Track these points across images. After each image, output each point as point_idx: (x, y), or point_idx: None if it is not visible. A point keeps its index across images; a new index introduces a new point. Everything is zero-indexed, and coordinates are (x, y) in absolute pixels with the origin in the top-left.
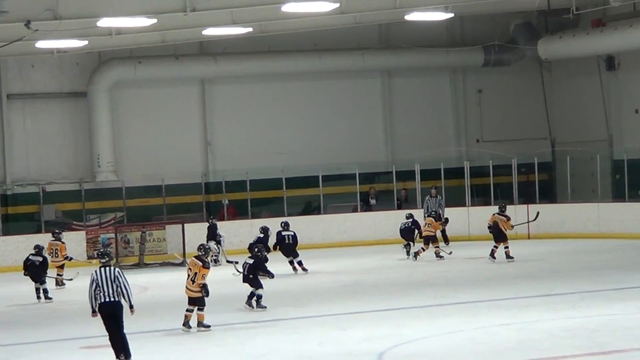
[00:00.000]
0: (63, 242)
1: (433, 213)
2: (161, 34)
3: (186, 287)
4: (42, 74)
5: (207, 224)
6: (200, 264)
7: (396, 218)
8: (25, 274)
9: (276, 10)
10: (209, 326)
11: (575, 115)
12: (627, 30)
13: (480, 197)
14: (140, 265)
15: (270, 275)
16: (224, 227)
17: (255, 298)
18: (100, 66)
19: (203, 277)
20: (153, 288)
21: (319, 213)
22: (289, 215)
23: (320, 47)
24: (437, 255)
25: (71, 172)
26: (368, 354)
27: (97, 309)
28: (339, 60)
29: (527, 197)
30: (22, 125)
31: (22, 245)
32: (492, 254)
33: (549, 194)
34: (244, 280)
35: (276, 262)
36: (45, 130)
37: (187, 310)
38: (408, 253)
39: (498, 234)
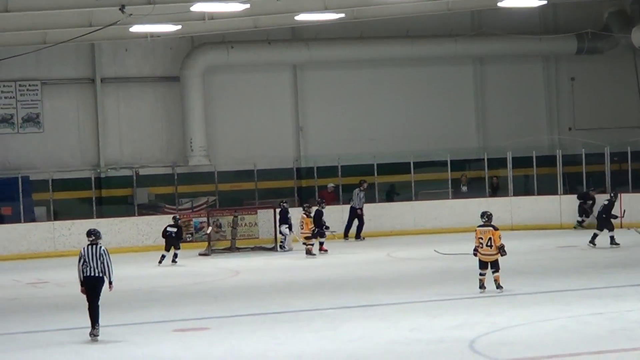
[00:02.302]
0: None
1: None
2: (254, 19)
3: (480, 253)
4: (135, 59)
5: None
6: (491, 228)
7: (487, 205)
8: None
9: None
10: (502, 287)
11: None
12: None
13: (573, 185)
14: (232, 249)
15: None
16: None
17: None
18: (193, 51)
19: (499, 238)
20: (244, 272)
21: (409, 199)
22: (380, 201)
23: (412, 34)
24: (309, 253)
25: (164, 155)
26: (459, 340)
27: (82, 282)
28: (431, 47)
29: (620, 186)
30: (116, 109)
31: (115, 228)
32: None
33: None
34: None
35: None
36: (138, 114)
37: (481, 274)
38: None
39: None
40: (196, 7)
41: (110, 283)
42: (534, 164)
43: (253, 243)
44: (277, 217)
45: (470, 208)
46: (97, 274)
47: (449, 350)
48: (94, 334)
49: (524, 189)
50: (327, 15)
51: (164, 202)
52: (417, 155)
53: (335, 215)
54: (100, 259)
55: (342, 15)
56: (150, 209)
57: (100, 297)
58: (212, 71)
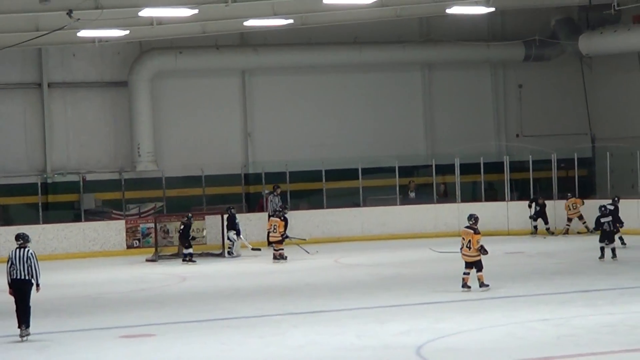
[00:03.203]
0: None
1: (278, 212)
2: (202, 25)
3: (462, 253)
4: (83, 63)
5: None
6: (472, 231)
7: (435, 212)
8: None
9: (317, 2)
10: (487, 285)
11: (615, 111)
12: None
13: (520, 192)
14: (179, 255)
15: None
16: (265, 217)
17: None
18: (141, 56)
19: (477, 242)
20: (191, 278)
21: (358, 206)
22: (328, 207)
23: (360, 40)
24: (282, 257)
25: (111, 161)
26: (406, 347)
27: (10, 284)
28: (380, 53)
29: (566, 193)
30: (63, 114)
31: (61, 234)
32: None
33: (589, 190)
34: None
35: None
36: (85, 119)
37: (465, 274)
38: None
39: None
40: (144, 13)
41: (37, 285)
42: (482, 170)
43: (200, 249)
44: (225, 223)
45: (417, 214)
46: (24, 277)
47: (396, 357)
48: (22, 335)
49: (471, 195)
50: (276, 21)
51: (111, 208)
52: (365, 161)
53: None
54: (27, 262)
55: (291, 21)
56: (97, 214)
57: (42, 303)
58: (160, 76)
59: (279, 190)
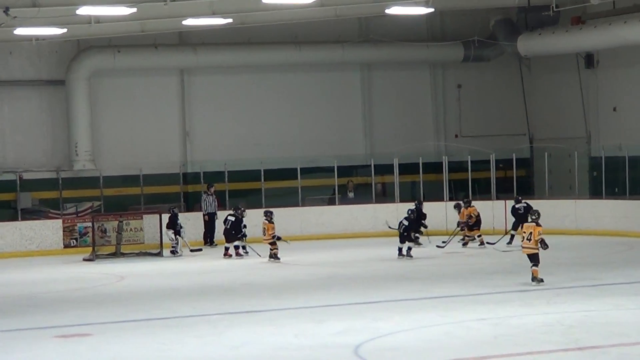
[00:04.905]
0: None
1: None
2: (141, 24)
3: (522, 247)
4: (20, 61)
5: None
6: (534, 224)
7: (374, 211)
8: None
9: (256, 1)
10: (542, 280)
11: (553, 112)
12: (606, 28)
13: (459, 192)
14: (117, 254)
15: None
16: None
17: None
18: (79, 54)
19: (538, 233)
20: (129, 277)
21: (297, 205)
22: (267, 206)
23: (300, 40)
24: (275, 257)
25: (48, 160)
26: (344, 346)
27: None
28: (319, 53)
29: (505, 193)
30: (0, 113)
31: None
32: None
33: (527, 190)
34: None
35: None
36: (22, 118)
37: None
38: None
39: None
40: (82, 11)
41: None
42: (420, 170)
43: (138, 248)
44: (165, 222)
45: (356, 214)
46: None
47: (334, 356)
48: None
49: (410, 195)
50: (215, 20)
51: (48, 207)
52: (304, 161)
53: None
54: None
55: (230, 20)
56: (33, 213)
57: None
58: (99, 75)
59: (212, 190)
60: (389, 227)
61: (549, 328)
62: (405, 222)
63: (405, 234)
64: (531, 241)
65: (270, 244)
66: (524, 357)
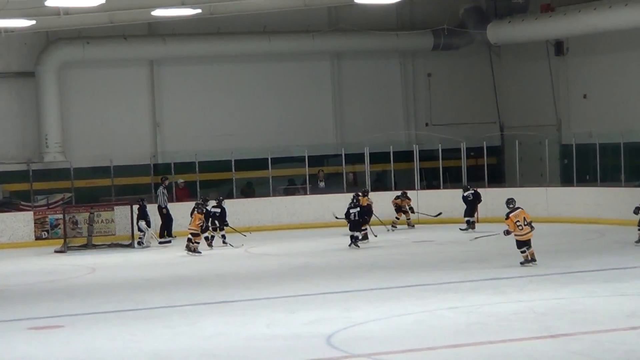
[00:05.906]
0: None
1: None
2: (109, 15)
3: (522, 234)
4: None
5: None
6: (521, 209)
7: (345, 201)
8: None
9: None
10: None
11: (524, 100)
12: (575, 16)
13: (430, 180)
14: (88, 246)
15: None
16: (175, 208)
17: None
18: (48, 46)
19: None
20: (100, 269)
21: (267, 195)
22: (238, 197)
23: (269, 30)
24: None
25: (19, 152)
26: (316, 336)
27: None
28: (288, 42)
29: (475, 181)
30: None
31: None
32: None
33: (498, 178)
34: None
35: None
36: None
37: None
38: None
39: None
40: (50, 2)
41: None
42: (391, 159)
43: (110, 240)
44: (136, 213)
45: (327, 204)
46: None
47: (306, 346)
48: None
49: (381, 184)
50: (184, 11)
51: (19, 199)
52: (275, 151)
53: (183, 211)
54: None
55: (199, 10)
56: (4, 206)
57: None
58: (68, 67)
59: (167, 182)
60: (336, 217)
61: (521, 316)
62: (354, 211)
63: (356, 221)
64: (527, 225)
65: (193, 235)
66: (497, 345)
